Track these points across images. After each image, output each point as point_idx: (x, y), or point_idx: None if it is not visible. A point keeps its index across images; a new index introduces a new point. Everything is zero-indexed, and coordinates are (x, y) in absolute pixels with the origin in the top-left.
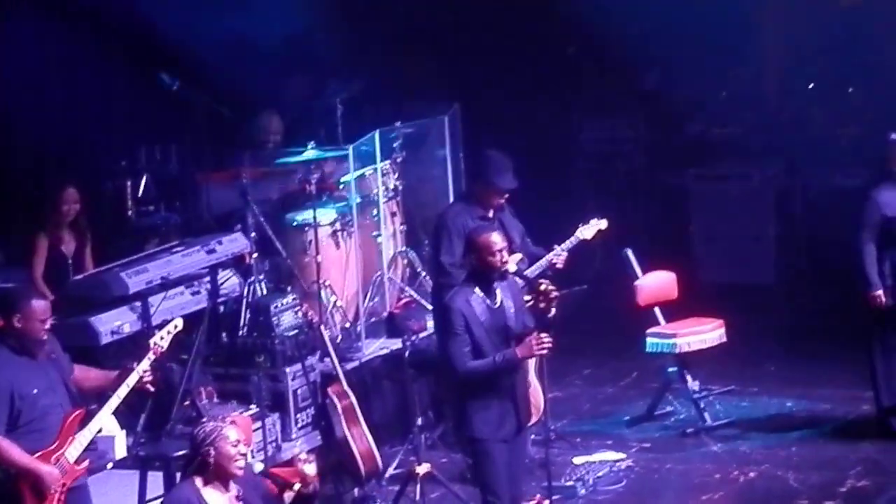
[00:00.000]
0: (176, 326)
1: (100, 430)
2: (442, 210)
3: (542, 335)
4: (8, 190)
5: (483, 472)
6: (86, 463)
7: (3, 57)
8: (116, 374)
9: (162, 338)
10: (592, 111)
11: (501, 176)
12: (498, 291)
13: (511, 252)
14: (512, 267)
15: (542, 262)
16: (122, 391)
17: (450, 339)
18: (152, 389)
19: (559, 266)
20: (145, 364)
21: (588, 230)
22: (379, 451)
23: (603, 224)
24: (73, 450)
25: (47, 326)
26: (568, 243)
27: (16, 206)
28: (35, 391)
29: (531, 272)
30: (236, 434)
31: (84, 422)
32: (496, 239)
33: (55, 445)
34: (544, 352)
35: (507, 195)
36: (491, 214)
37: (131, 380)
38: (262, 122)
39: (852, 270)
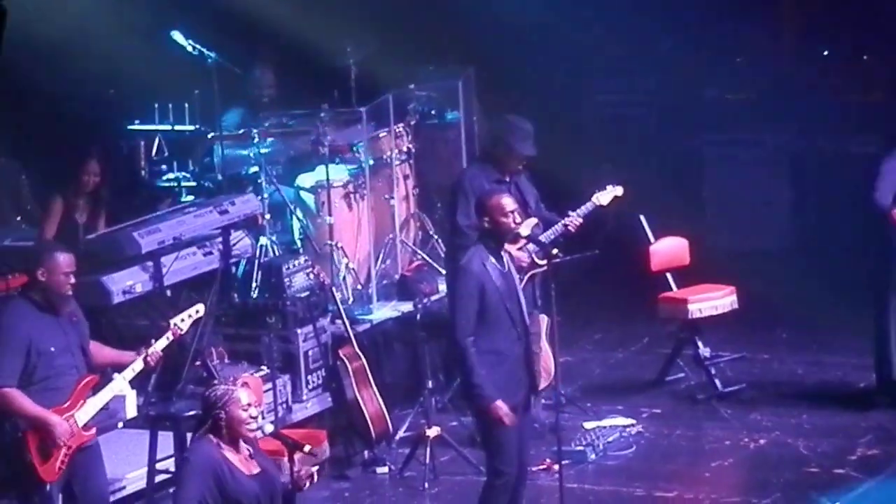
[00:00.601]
0: (197, 311)
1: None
2: (458, 172)
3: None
4: (27, 148)
5: (490, 438)
6: (93, 430)
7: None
8: (130, 358)
9: (182, 320)
10: (607, 75)
11: (522, 143)
12: (505, 257)
13: (526, 217)
14: (525, 231)
15: (557, 228)
16: (137, 365)
17: (458, 303)
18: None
19: (573, 231)
20: (162, 343)
21: (604, 196)
22: (389, 414)
23: (619, 191)
24: (83, 414)
25: (72, 281)
26: (583, 209)
27: (36, 166)
28: (53, 349)
29: (545, 237)
30: (248, 397)
31: (96, 389)
32: (508, 201)
33: (67, 405)
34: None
35: (525, 162)
36: (507, 178)
37: (137, 365)
38: (255, 75)
39: (874, 235)
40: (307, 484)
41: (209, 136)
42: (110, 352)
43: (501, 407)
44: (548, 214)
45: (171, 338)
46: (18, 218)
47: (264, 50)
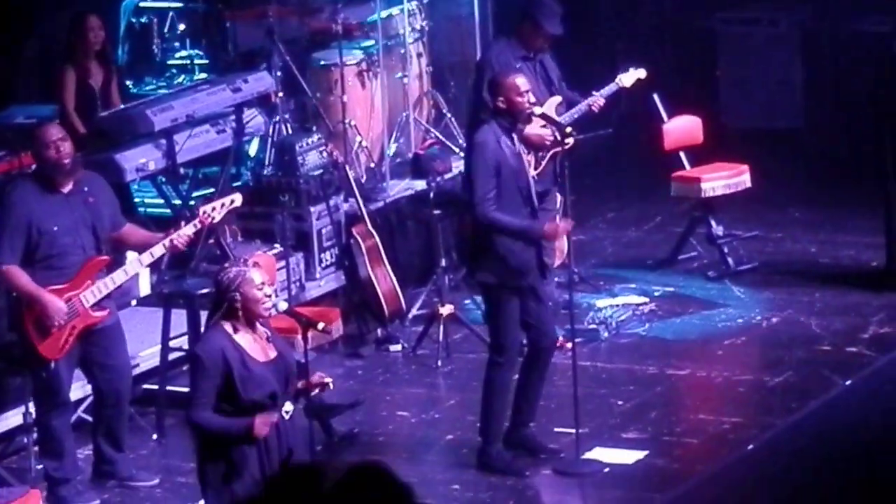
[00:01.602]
0: (233, 201)
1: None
2: (484, 48)
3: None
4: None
5: (495, 315)
6: (105, 312)
7: None
8: (159, 240)
9: (214, 208)
10: None
11: (550, 21)
12: (515, 137)
13: (551, 94)
14: (548, 110)
15: (581, 107)
16: (158, 250)
17: (479, 178)
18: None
19: (595, 111)
20: (189, 230)
21: (627, 78)
22: (402, 292)
23: (642, 73)
24: (91, 294)
25: (64, 150)
26: (606, 90)
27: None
28: (55, 228)
29: (569, 116)
30: (261, 276)
31: (110, 270)
32: (522, 81)
33: (69, 285)
34: (563, 254)
35: (551, 40)
36: (533, 56)
37: (157, 250)
38: None
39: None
40: (317, 391)
41: (222, 12)
42: (144, 234)
43: (554, 225)
44: (570, 94)
45: (199, 226)
46: None
47: None
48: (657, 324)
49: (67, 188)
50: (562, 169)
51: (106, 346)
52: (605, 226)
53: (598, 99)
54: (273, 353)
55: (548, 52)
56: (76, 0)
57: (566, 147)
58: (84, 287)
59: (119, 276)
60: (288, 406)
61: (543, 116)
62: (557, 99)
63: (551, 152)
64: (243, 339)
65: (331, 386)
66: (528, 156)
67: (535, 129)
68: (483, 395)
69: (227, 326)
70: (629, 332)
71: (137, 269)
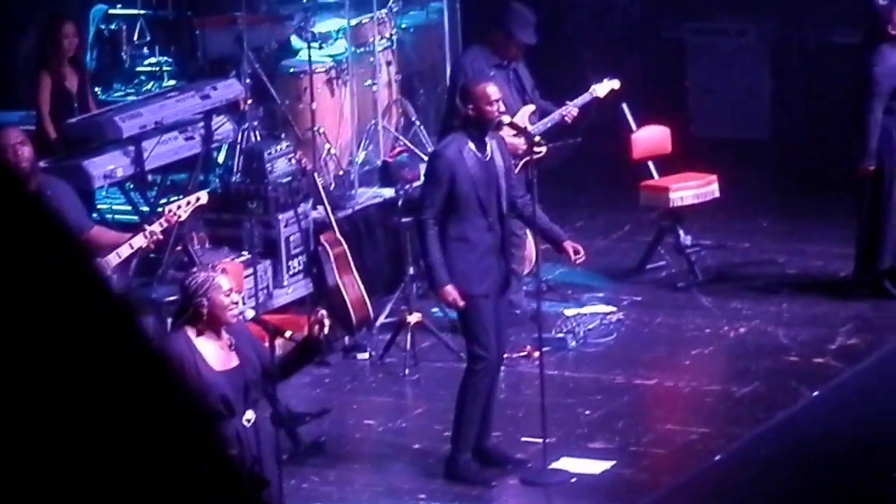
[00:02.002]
0: (198, 199)
1: None
2: (458, 55)
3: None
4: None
5: (467, 324)
6: None
7: None
8: (129, 237)
9: (180, 207)
10: None
11: (523, 30)
12: (489, 144)
13: (524, 103)
14: (506, 119)
15: (555, 116)
16: (124, 251)
17: (425, 186)
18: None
19: (569, 122)
20: (156, 228)
21: (601, 88)
22: (370, 300)
23: (616, 84)
24: None
25: (22, 154)
26: (580, 100)
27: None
28: None
29: (542, 125)
30: (228, 283)
31: None
32: (493, 89)
33: None
34: (531, 263)
35: (524, 49)
36: (507, 64)
37: (136, 241)
38: None
39: (853, 134)
40: (317, 331)
41: (191, 20)
42: (112, 235)
43: (451, 292)
44: (543, 103)
45: (165, 224)
46: None
47: None
48: (625, 333)
49: None
50: (530, 178)
51: None
52: (574, 235)
53: (571, 109)
54: (234, 362)
55: (521, 60)
56: (48, 5)
57: (538, 156)
58: None
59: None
60: (249, 414)
61: (513, 125)
62: (531, 108)
63: (523, 161)
64: (205, 345)
65: (326, 322)
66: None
67: (507, 137)
68: (457, 403)
69: (190, 332)
70: (597, 341)
71: (113, 261)
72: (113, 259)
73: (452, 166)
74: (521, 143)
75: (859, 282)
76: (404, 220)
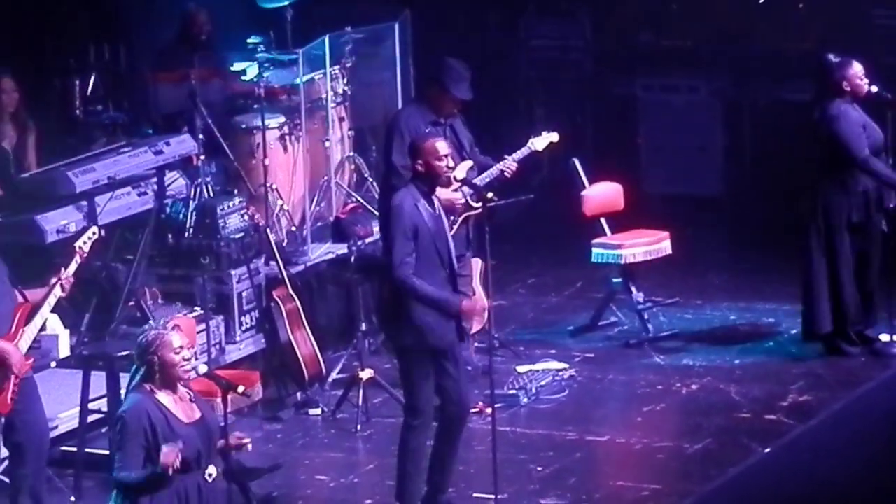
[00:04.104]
0: (94, 233)
1: (43, 328)
2: (394, 112)
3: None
4: None
5: (409, 379)
6: (32, 360)
7: None
8: (44, 293)
9: (84, 242)
10: (542, 18)
11: (457, 85)
12: (435, 200)
13: (461, 160)
14: (460, 174)
15: (493, 171)
16: (57, 290)
17: (396, 241)
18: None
19: (508, 176)
20: (73, 268)
21: (540, 141)
22: (322, 356)
23: (554, 137)
24: (24, 343)
25: None
26: (519, 154)
27: None
28: None
29: (480, 180)
30: (179, 340)
31: (29, 317)
32: (442, 145)
33: (10, 334)
34: (476, 328)
35: (460, 105)
36: (443, 120)
37: (57, 290)
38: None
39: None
40: (234, 452)
41: (145, 75)
42: (39, 292)
43: (469, 303)
44: (482, 158)
45: (79, 261)
46: None
47: None
48: (577, 389)
49: None
50: (481, 234)
51: (26, 399)
52: (526, 291)
53: (510, 163)
54: (197, 415)
55: (457, 116)
56: None
57: (477, 211)
58: (20, 335)
59: (38, 321)
60: (211, 469)
61: (465, 181)
62: (468, 163)
63: (462, 216)
64: (165, 399)
65: (249, 447)
66: (450, 219)
67: (445, 192)
68: (398, 459)
69: (149, 388)
70: (549, 397)
71: (48, 313)
72: (52, 300)
73: (413, 219)
74: (458, 197)
75: (809, 340)
76: (356, 276)
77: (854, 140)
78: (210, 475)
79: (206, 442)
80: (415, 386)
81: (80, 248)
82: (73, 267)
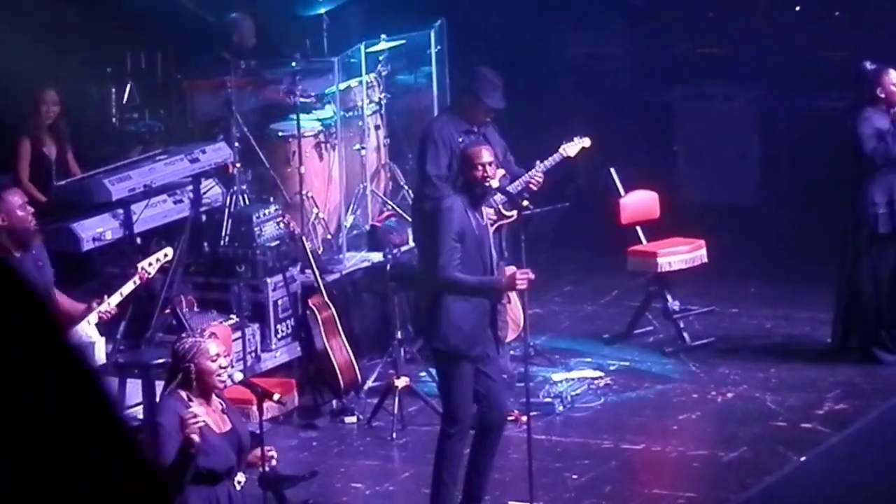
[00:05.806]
0: (166, 255)
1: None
2: (427, 122)
3: (525, 270)
4: None
5: (447, 385)
6: None
7: None
8: (83, 309)
9: (150, 264)
10: (579, 27)
11: (490, 94)
12: (484, 211)
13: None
14: (494, 183)
15: (523, 180)
16: (94, 317)
17: (444, 244)
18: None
19: (533, 187)
20: (129, 287)
21: (571, 147)
22: (358, 364)
23: (586, 142)
24: None
25: (26, 215)
26: (550, 160)
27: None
28: None
29: (512, 189)
30: (216, 348)
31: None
32: (477, 152)
33: None
34: (524, 286)
35: (493, 114)
36: (476, 129)
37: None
38: (236, 23)
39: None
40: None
41: (181, 83)
42: (65, 301)
43: (514, 274)
44: (516, 169)
45: (138, 282)
46: None
47: None
48: (612, 398)
49: (20, 252)
50: (517, 243)
51: None
52: (562, 299)
53: (537, 175)
54: (227, 426)
55: (490, 125)
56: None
57: (510, 220)
58: None
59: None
60: (240, 477)
61: (499, 189)
62: (500, 172)
63: (496, 225)
64: (198, 409)
65: (275, 461)
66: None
67: None
68: (434, 467)
69: (183, 395)
70: (584, 405)
71: (88, 331)
72: (93, 318)
73: (462, 223)
74: (489, 208)
75: (845, 348)
76: (392, 284)
77: (866, 140)
78: (239, 482)
79: (236, 450)
80: (453, 394)
81: (144, 269)
82: (129, 286)
